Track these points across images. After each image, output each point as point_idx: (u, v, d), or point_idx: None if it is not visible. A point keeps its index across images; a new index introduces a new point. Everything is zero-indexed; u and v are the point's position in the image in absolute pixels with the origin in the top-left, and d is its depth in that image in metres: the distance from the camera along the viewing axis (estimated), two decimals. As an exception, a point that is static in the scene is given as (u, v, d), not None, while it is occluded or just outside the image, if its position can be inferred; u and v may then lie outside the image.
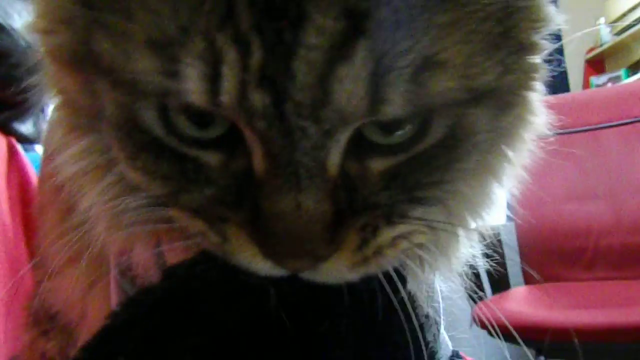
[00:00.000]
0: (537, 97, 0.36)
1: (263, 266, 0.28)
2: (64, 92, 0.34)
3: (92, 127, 0.33)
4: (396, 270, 0.32)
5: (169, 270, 0.31)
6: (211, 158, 0.28)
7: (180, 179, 0.29)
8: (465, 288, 0.45)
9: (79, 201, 0.34)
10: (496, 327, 0.45)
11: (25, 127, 1.13)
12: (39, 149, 1.47)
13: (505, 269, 1.64)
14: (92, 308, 0.44)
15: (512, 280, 1.75)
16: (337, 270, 0.29)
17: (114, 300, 0.39)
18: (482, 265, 0.45)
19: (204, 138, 0.28)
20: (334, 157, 0.27)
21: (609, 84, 3.66)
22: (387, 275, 0.31)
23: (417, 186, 0.30)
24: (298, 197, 0.26)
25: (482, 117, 0.30)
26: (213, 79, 0.24)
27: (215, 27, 0.24)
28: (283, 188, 0.26)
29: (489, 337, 1.63)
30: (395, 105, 0.26)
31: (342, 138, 0.27)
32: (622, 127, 1.78)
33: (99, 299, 0.42)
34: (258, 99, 0.24)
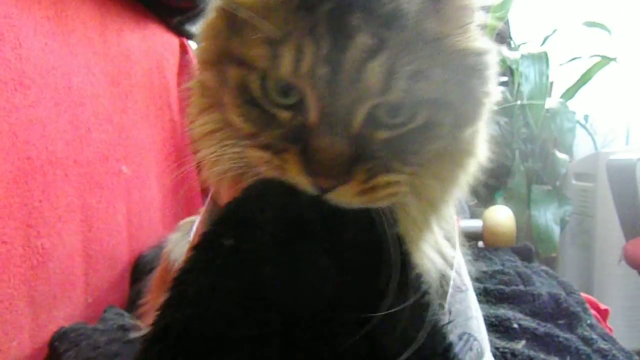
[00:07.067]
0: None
1: (305, 182, 0.45)
2: (199, 84, 0.54)
3: (215, 107, 0.52)
4: (388, 212, 0.47)
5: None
6: (285, 114, 0.46)
7: (264, 123, 0.47)
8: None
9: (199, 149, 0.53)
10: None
11: (195, 28, 1.21)
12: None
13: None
14: None
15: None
16: (349, 194, 0.45)
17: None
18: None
19: (283, 103, 0.46)
20: (357, 119, 0.45)
21: None
22: (383, 211, 0.47)
23: (405, 151, 0.47)
24: (333, 138, 0.44)
25: (446, 116, 0.47)
26: (297, 61, 0.43)
27: (304, 35, 0.43)
28: (326, 132, 0.44)
29: (638, 276, 1.58)
30: (396, 94, 0.43)
31: (363, 108, 0.44)
32: None
33: None
34: (323, 71, 0.43)
